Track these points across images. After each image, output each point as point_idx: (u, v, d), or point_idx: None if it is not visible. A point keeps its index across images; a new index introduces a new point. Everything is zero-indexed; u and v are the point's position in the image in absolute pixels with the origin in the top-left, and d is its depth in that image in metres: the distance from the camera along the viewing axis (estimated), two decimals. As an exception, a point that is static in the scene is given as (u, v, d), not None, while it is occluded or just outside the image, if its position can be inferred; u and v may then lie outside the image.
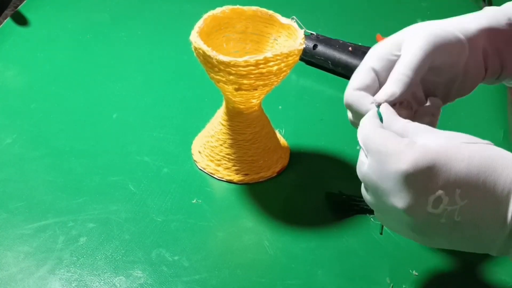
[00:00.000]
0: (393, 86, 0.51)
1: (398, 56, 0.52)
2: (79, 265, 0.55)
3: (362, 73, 0.53)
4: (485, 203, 0.42)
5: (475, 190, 0.42)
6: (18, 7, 0.94)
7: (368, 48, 0.83)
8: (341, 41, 0.84)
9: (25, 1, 0.96)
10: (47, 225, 0.58)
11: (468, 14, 0.56)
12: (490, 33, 0.54)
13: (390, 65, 0.53)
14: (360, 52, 0.82)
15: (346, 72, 0.82)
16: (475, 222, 0.43)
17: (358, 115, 0.52)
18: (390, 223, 0.47)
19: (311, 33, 0.87)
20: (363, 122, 0.49)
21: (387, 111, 0.49)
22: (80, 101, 0.76)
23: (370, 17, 0.98)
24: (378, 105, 0.50)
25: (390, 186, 0.44)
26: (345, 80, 0.83)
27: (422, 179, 0.42)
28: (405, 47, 0.52)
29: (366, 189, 0.48)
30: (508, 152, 0.44)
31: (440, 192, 0.42)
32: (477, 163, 0.42)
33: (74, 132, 0.71)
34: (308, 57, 0.85)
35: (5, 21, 0.91)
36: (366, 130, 0.47)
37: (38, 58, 0.84)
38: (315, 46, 0.84)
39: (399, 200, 0.44)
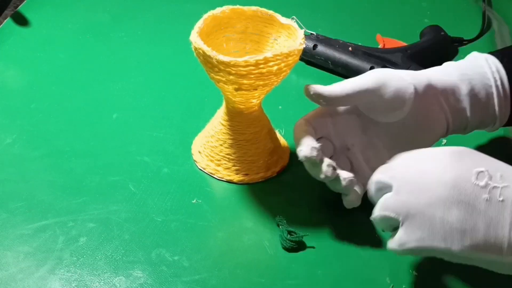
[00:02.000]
0: (331, 88, 0.57)
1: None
2: (79, 265, 0.55)
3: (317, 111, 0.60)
4: None
5: None
6: (18, 7, 0.94)
7: (368, 48, 0.84)
8: (341, 41, 0.84)
9: (25, 1, 0.96)
10: (47, 225, 0.58)
11: (435, 68, 0.62)
12: (447, 88, 0.59)
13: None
14: (360, 52, 0.82)
15: (346, 72, 0.82)
16: None
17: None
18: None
19: (311, 33, 0.87)
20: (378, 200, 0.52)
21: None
22: (80, 101, 0.76)
23: (370, 17, 0.98)
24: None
25: (435, 164, 0.48)
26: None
27: (467, 155, 0.47)
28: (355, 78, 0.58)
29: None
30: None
31: (482, 168, 0.46)
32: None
33: (74, 132, 0.71)
34: (308, 57, 0.84)
35: (5, 21, 0.91)
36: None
37: (38, 58, 0.84)
38: (315, 46, 0.84)
39: (446, 173, 0.46)
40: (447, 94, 0.59)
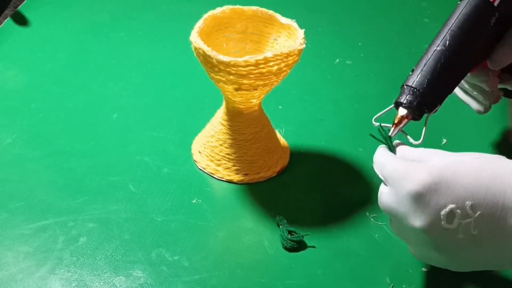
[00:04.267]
0: None
1: None
2: (79, 265, 0.55)
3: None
4: (498, 213, 0.43)
5: (486, 200, 0.43)
6: (18, 7, 0.95)
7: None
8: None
9: (25, 1, 0.96)
10: (47, 225, 0.58)
11: None
12: None
13: None
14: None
15: (346, 72, 0.82)
16: (493, 234, 0.44)
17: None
18: (418, 250, 0.49)
19: None
20: (376, 154, 0.51)
21: (401, 146, 0.52)
22: (80, 101, 0.76)
23: (370, 17, 0.98)
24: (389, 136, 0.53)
25: (407, 208, 0.46)
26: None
27: (432, 195, 0.44)
28: None
29: (391, 220, 0.51)
30: None
31: (451, 206, 0.44)
32: (485, 175, 0.43)
33: (74, 132, 0.71)
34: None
35: (5, 21, 0.91)
36: (381, 159, 0.50)
37: (38, 58, 0.84)
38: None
39: (415, 219, 0.46)
40: None
